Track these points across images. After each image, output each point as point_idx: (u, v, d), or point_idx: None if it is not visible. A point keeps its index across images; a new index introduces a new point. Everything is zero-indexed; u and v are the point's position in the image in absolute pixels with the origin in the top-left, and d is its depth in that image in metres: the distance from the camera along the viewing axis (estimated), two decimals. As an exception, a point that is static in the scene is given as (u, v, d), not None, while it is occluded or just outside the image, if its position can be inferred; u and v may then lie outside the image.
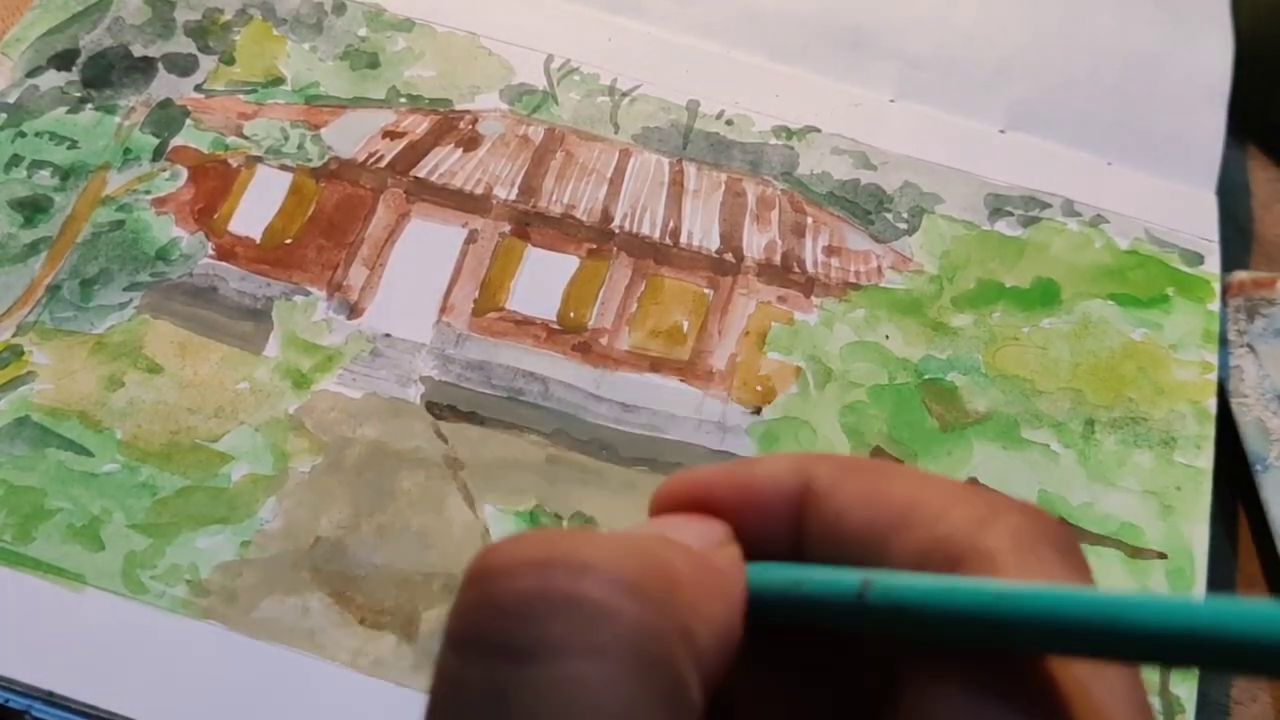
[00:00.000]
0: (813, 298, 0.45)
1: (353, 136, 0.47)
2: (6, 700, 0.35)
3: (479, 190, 0.47)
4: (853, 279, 0.46)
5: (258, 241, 0.45)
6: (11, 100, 0.47)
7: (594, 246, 0.46)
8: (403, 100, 0.49)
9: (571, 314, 0.44)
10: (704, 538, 0.19)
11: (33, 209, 0.45)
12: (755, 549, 0.20)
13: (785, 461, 0.20)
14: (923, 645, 0.17)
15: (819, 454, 0.21)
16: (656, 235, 0.46)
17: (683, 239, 0.46)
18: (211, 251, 0.44)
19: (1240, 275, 0.47)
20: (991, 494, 0.19)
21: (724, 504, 0.20)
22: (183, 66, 0.49)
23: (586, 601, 0.15)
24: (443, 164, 0.47)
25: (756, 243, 0.46)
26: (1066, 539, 0.18)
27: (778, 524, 0.20)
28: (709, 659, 0.17)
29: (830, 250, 0.47)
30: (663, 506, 0.21)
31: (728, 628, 0.18)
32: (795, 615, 0.19)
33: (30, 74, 0.48)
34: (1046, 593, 0.16)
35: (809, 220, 0.47)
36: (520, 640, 0.15)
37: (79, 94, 0.48)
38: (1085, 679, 0.17)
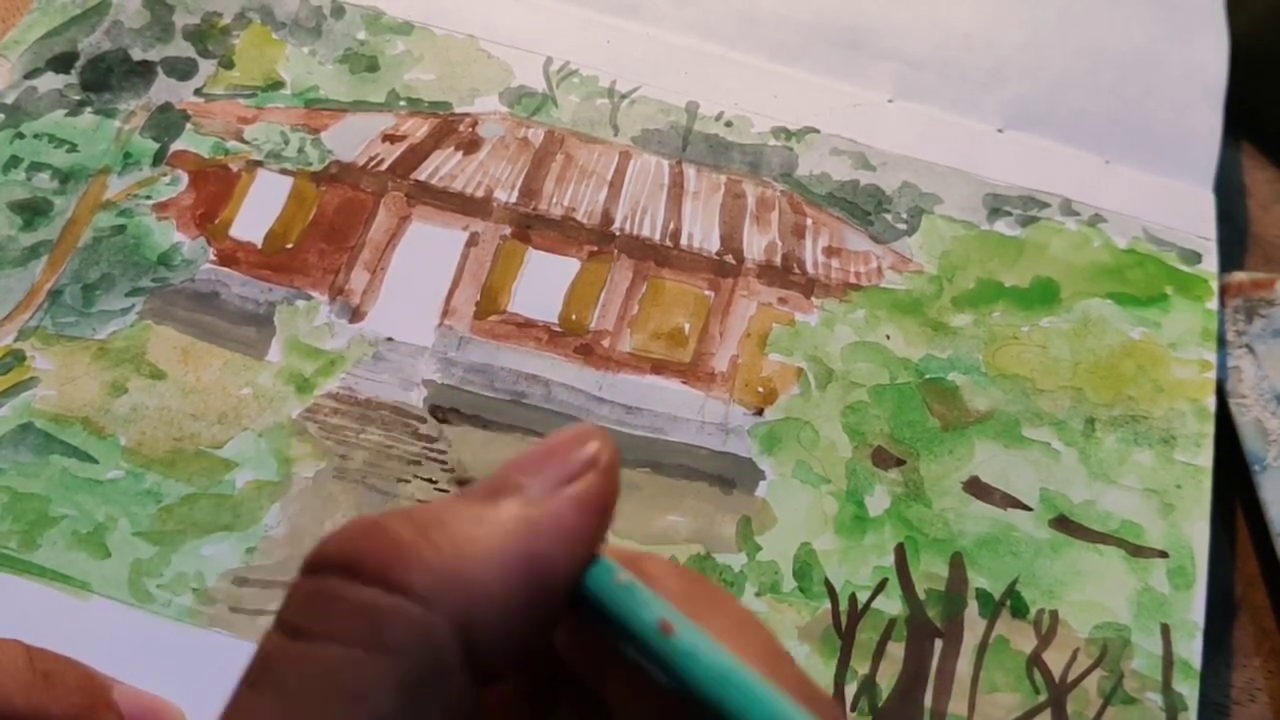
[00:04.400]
0: (813, 299, 0.45)
1: (353, 140, 0.47)
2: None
3: (479, 193, 0.47)
4: (853, 279, 0.46)
5: (259, 246, 0.45)
6: (9, 101, 0.47)
7: (595, 249, 0.46)
8: (402, 103, 0.49)
9: (573, 316, 0.44)
10: (544, 482, 0.20)
11: (32, 212, 0.45)
12: None
13: (649, 566, 0.21)
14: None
15: (676, 567, 0.22)
16: (657, 237, 0.46)
17: (683, 241, 0.46)
18: (213, 257, 0.44)
19: (1239, 276, 0.47)
20: (783, 665, 0.20)
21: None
22: (182, 70, 0.49)
23: (349, 602, 0.18)
24: (443, 167, 0.47)
25: (757, 244, 0.47)
26: None
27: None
28: (492, 632, 0.19)
29: (830, 251, 0.47)
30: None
31: (516, 597, 0.19)
32: (608, 623, 0.20)
33: (28, 76, 0.48)
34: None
35: (809, 221, 0.47)
36: (294, 621, 0.19)
37: (78, 97, 0.48)
38: None
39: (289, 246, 0.45)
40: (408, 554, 0.19)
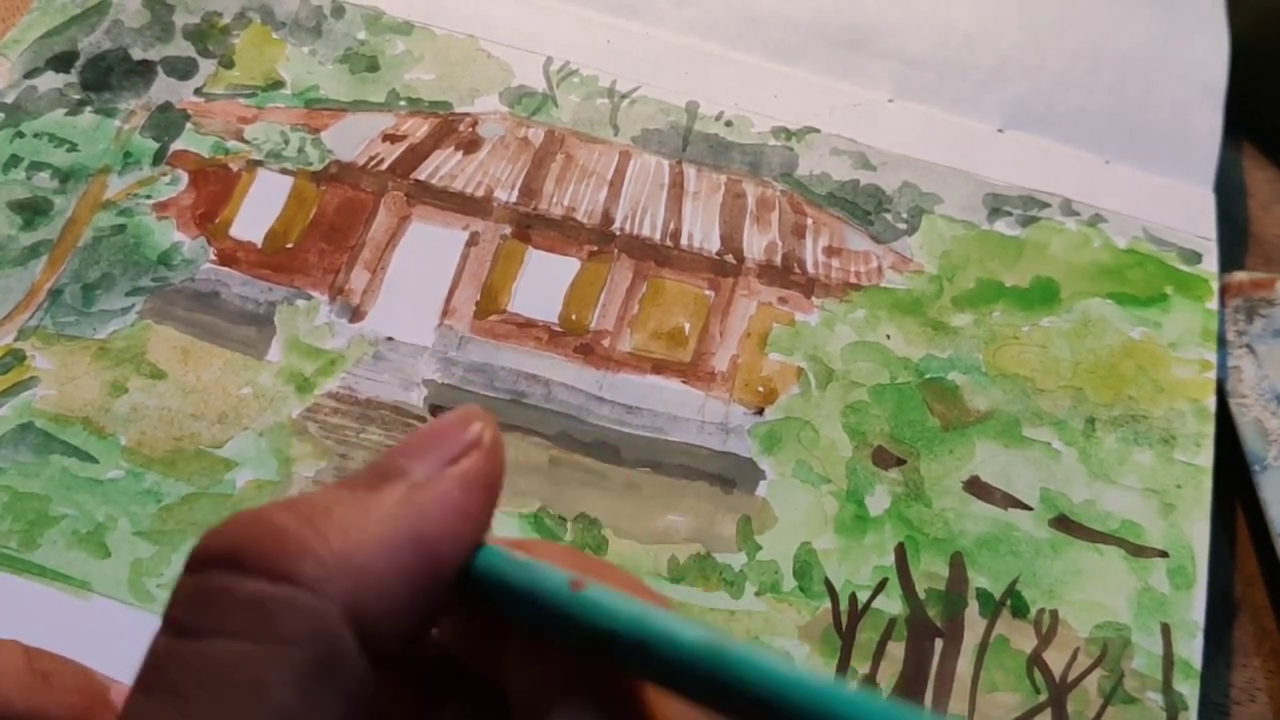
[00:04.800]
0: (813, 298, 0.45)
1: (353, 140, 0.47)
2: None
3: (480, 193, 0.47)
4: (853, 279, 0.46)
5: (259, 246, 0.45)
6: (9, 101, 0.47)
7: (595, 249, 0.46)
8: (402, 103, 0.49)
9: (573, 316, 0.44)
10: (428, 464, 0.20)
11: (32, 211, 0.45)
12: None
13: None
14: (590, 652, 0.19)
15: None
16: (657, 237, 0.46)
17: (683, 241, 0.46)
18: (213, 256, 0.44)
19: (1239, 276, 0.47)
20: None
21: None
22: (182, 70, 0.49)
23: (235, 595, 0.18)
24: (443, 167, 0.47)
25: (757, 244, 0.47)
26: None
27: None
28: (382, 616, 0.19)
29: (830, 251, 0.47)
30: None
31: (404, 578, 0.19)
32: (507, 599, 0.20)
33: (28, 75, 0.48)
34: (703, 644, 0.18)
35: (809, 221, 0.47)
36: (182, 619, 0.18)
37: (78, 96, 0.48)
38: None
39: (289, 246, 0.45)
40: (293, 543, 0.18)
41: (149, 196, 0.46)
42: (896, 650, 0.39)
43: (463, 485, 0.20)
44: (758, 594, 0.40)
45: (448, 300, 0.44)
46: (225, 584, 0.18)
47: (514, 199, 0.47)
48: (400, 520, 0.19)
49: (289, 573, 0.18)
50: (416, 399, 0.42)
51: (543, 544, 0.22)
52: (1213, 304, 0.46)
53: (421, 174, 0.47)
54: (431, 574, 0.19)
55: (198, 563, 0.19)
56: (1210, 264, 0.47)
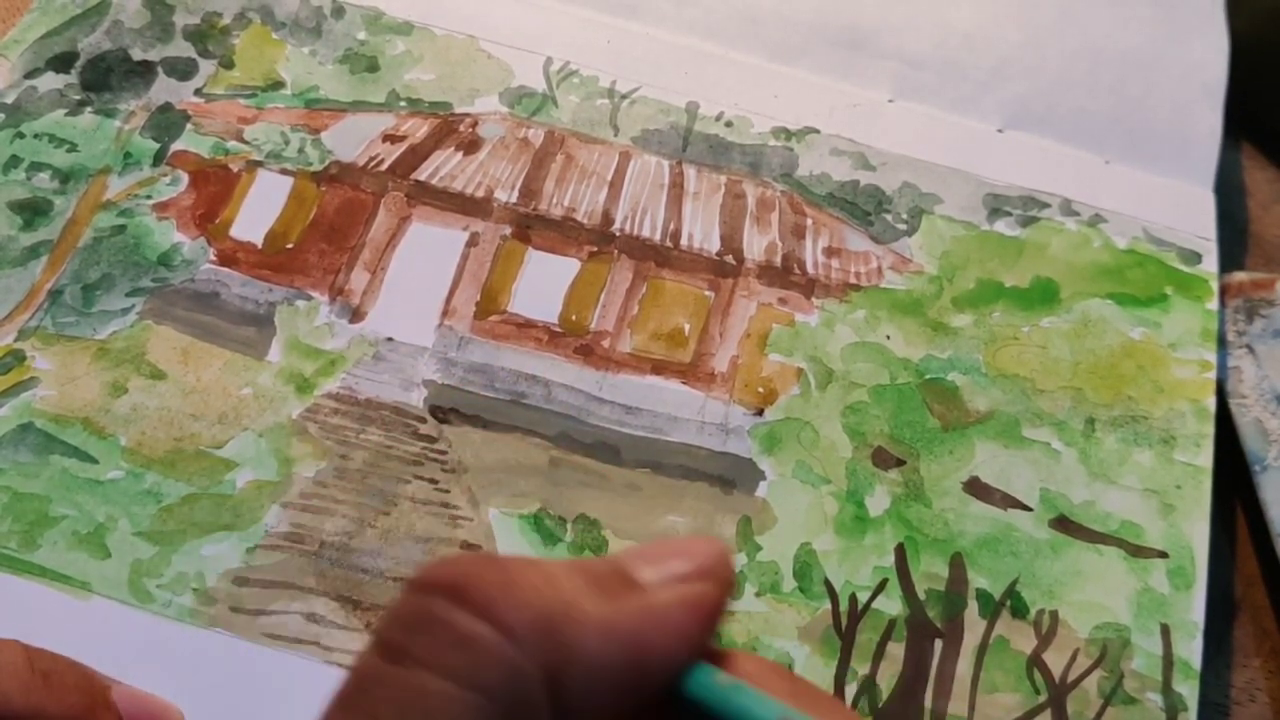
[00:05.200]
0: (813, 299, 0.45)
1: (353, 140, 0.47)
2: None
3: (480, 193, 0.47)
4: (853, 280, 0.46)
5: (259, 246, 0.45)
6: (9, 101, 0.47)
7: (595, 249, 0.46)
8: (403, 104, 0.49)
9: (573, 317, 0.44)
10: (661, 574, 0.21)
11: (32, 211, 0.45)
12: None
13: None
14: None
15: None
16: (657, 238, 0.46)
17: (683, 241, 0.46)
18: (213, 257, 0.44)
19: (1239, 276, 0.47)
20: None
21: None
22: (182, 70, 0.49)
23: (452, 629, 0.18)
24: (443, 167, 0.47)
25: (757, 244, 0.47)
26: None
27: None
28: (580, 697, 0.19)
29: (830, 251, 0.47)
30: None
31: (611, 671, 0.19)
32: None
33: (28, 75, 0.48)
34: None
35: (809, 221, 0.47)
36: (394, 642, 0.19)
37: (78, 97, 0.48)
38: None
39: (289, 247, 0.45)
40: (516, 592, 0.19)
41: (149, 197, 0.46)
42: (896, 651, 0.39)
43: (689, 608, 0.20)
44: (758, 595, 0.40)
45: (448, 301, 0.44)
46: (443, 614, 0.18)
47: (514, 199, 0.47)
48: (622, 614, 0.19)
49: (504, 620, 0.18)
50: (416, 399, 0.42)
51: (755, 660, 0.22)
52: (1213, 304, 0.46)
53: (421, 174, 0.47)
54: (638, 674, 0.19)
55: (421, 586, 0.19)
56: (1210, 264, 0.47)
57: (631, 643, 0.19)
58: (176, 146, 0.47)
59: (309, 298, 0.44)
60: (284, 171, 0.47)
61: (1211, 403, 0.44)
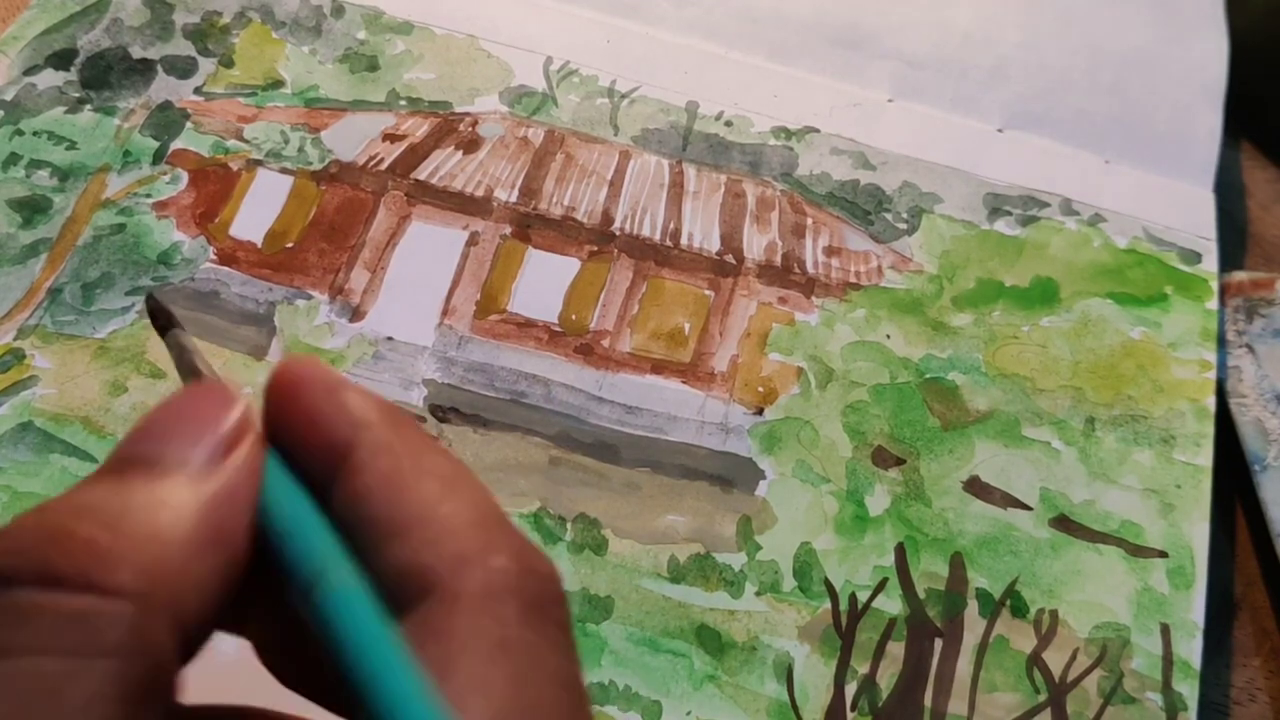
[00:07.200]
0: (813, 298, 0.45)
1: (353, 139, 0.47)
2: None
3: (479, 192, 0.47)
4: (853, 279, 0.46)
5: (259, 245, 0.45)
6: (9, 98, 0.47)
7: (595, 249, 0.46)
8: (402, 103, 0.49)
9: (573, 316, 0.44)
10: (206, 450, 0.20)
11: (31, 209, 0.45)
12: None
13: (359, 411, 0.20)
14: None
15: (389, 411, 0.21)
16: (657, 237, 0.46)
17: (683, 241, 0.46)
18: (213, 256, 0.44)
19: (1239, 276, 0.47)
20: (495, 531, 0.19)
21: (296, 415, 0.21)
22: (182, 69, 0.49)
23: (55, 613, 0.17)
24: (443, 166, 0.47)
25: (757, 244, 0.47)
26: (541, 596, 0.19)
27: (320, 463, 0.20)
28: (198, 620, 0.18)
29: (830, 251, 0.47)
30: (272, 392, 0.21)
31: (213, 583, 0.19)
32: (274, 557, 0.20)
33: (28, 72, 0.48)
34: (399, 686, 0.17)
35: (809, 221, 0.47)
36: None
37: (78, 94, 0.48)
38: None
39: (289, 246, 0.45)
40: (107, 555, 0.18)
41: (149, 195, 0.46)
42: (896, 650, 0.39)
43: (248, 475, 0.20)
44: (758, 594, 0.40)
45: (448, 300, 0.44)
46: (39, 601, 0.17)
47: (514, 199, 0.47)
48: (200, 519, 0.19)
49: (113, 586, 0.17)
50: (416, 399, 0.42)
51: (362, 394, 0.21)
52: (1213, 304, 0.46)
53: (421, 174, 0.47)
54: (233, 565, 0.19)
55: None
56: (1210, 264, 0.47)
57: (219, 540, 0.19)
58: (176, 145, 0.47)
59: (309, 297, 0.44)
60: (284, 170, 0.47)
61: (1211, 402, 0.44)
